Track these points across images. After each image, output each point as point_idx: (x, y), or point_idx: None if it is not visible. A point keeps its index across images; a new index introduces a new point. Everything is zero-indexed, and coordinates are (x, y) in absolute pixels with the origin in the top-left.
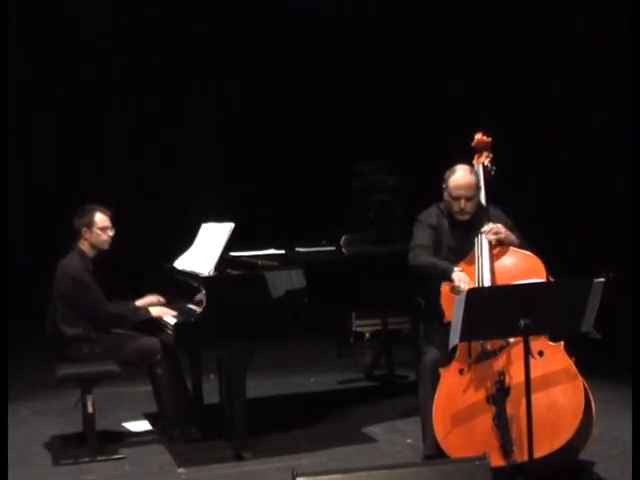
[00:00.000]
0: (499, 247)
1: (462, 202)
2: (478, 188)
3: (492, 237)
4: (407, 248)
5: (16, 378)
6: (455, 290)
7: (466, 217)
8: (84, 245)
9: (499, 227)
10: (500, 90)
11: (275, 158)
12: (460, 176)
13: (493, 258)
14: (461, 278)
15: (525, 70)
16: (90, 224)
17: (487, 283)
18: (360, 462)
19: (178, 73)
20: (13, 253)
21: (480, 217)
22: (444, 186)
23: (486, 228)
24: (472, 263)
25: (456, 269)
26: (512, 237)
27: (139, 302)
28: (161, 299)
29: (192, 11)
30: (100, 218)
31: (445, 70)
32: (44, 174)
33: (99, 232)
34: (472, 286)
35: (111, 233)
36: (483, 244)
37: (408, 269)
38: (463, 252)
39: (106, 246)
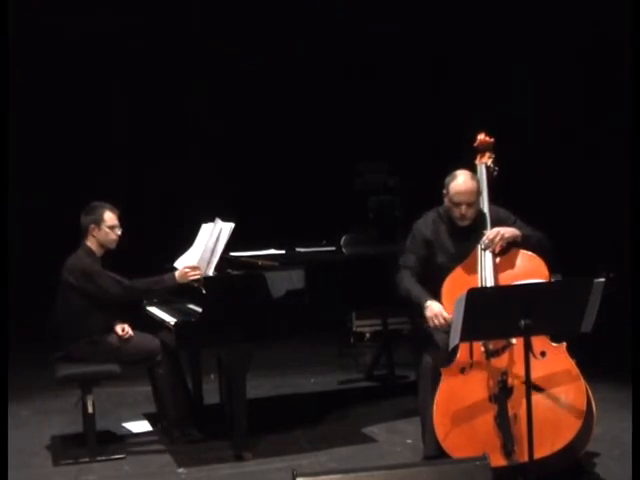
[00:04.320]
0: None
1: (463, 208)
2: (479, 194)
3: (498, 247)
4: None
5: (16, 378)
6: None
7: (467, 223)
8: (92, 243)
9: (495, 232)
10: (502, 90)
11: (275, 158)
12: (461, 181)
13: (496, 259)
14: (433, 311)
15: (527, 70)
16: (98, 221)
17: (490, 283)
18: (360, 462)
19: (178, 73)
20: (13, 253)
21: (480, 222)
22: (444, 192)
23: (486, 240)
24: (472, 265)
25: (428, 303)
26: (513, 233)
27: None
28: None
29: (191, 12)
30: (109, 216)
31: (446, 70)
32: (44, 173)
33: (107, 230)
34: (445, 315)
35: (119, 232)
36: None
37: None
38: (461, 257)
39: (113, 245)
